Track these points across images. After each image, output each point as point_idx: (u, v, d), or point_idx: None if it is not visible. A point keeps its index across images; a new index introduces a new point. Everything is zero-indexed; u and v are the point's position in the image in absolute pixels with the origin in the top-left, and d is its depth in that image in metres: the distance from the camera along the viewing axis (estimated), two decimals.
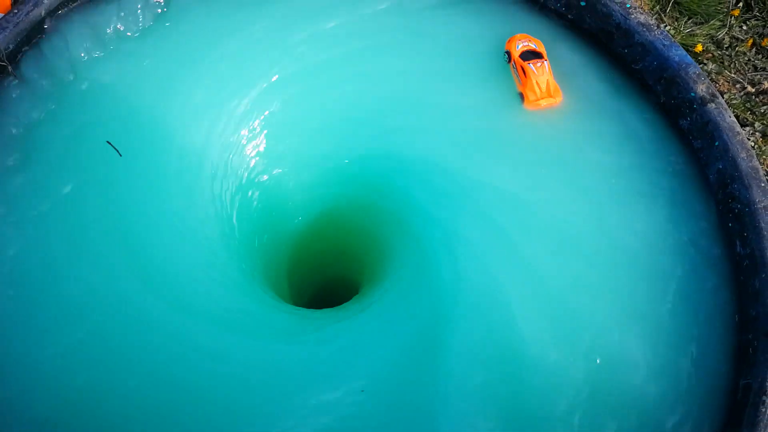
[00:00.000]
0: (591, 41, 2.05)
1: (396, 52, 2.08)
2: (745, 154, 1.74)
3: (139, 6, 2.03)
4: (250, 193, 2.11)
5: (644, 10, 3.13)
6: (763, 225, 1.67)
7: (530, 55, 2.02)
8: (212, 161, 1.99)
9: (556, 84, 2.01)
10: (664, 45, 1.88)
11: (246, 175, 2.08)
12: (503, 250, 1.84)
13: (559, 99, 2.00)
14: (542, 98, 1.98)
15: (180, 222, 1.85)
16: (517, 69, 2.03)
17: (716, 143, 1.79)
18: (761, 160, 2.86)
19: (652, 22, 1.90)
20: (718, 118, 1.79)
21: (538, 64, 1.98)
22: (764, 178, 1.72)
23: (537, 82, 1.97)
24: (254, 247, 2.14)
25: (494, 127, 2.03)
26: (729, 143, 1.76)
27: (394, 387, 1.67)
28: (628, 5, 1.92)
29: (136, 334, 1.65)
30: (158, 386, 1.60)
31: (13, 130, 1.81)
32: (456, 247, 1.86)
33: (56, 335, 1.62)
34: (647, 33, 1.90)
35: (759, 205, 1.69)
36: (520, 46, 2.04)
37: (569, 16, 2.07)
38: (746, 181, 1.72)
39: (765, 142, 2.89)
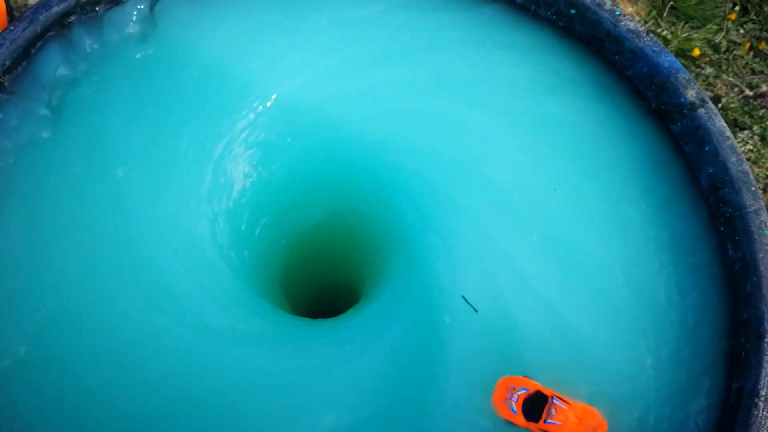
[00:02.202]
0: (582, 48, 2.07)
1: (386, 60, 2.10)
2: (735, 159, 1.75)
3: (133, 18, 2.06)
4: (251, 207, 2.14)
5: (641, 15, 3.15)
6: (753, 228, 1.68)
7: (533, 405, 1.55)
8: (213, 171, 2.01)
9: (582, 405, 1.56)
10: (653, 51, 1.89)
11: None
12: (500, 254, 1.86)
13: (599, 417, 1.57)
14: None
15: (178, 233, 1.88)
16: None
17: (706, 148, 1.80)
18: (760, 164, 2.86)
19: (642, 28, 1.91)
20: (708, 123, 1.80)
21: (554, 412, 1.51)
22: (754, 182, 1.73)
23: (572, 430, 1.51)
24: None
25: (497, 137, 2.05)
26: (719, 147, 1.77)
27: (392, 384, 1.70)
28: (618, 12, 1.93)
29: (133, 344, 1.68)
30: (157, 396, 1.63)
31: (8, 146, 1.85)
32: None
33: (52, 343, 1.65)
34: (637, 40, 1.92)
35: (750, 209, 1.70)
36: (514, 405, 1.57)
37: (560, 24, 2.08)
38: (736, 185, 1.73)
39: (764, 145, 2.89)
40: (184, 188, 1.94)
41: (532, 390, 1.55)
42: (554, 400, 1.52)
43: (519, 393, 1.55)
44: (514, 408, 1.54)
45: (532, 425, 1.53)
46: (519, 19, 2.12)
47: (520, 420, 1.53)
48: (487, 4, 2.15)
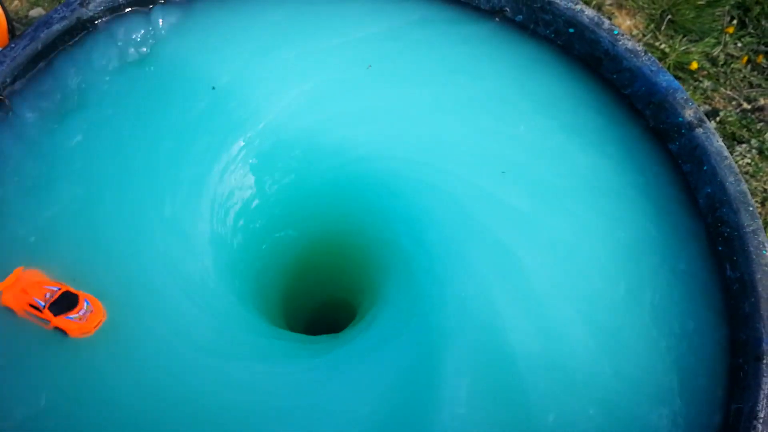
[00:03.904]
0: (581, 67, 2.07)
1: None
2: (733, 179, 1.75)
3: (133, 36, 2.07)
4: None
5: (639, 29, 3.16)
6: (752, 249, 1.68)
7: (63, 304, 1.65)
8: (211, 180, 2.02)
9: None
10: (651, 71, 1.90)
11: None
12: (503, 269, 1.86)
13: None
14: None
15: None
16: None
17: (705, 167, 1.81)
18: (758, 177, 2.87)
19: (640, 48, 1.92)
20: (706, 143, 1.81)
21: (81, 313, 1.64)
22: (752, 202, 1.73)
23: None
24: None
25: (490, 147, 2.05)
26: (717, 168, 1.78)
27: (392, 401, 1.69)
28: (616, 32, 1.94)
29: (125, 356, 1.68)
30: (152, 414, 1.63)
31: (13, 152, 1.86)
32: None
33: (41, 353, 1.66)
34: (635, 59, 1.93)
35: (748, 229, 1.71)
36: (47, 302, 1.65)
37: (558, 43, 2.09)
38: (734, 205, 1.73)
39: (762, 159, 2.90)
40: (180, 206, 1.94)
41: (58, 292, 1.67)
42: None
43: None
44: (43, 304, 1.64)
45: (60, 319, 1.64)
46: (518, 37, 2.13)
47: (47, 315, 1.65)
48: (486, 21, 2.16)
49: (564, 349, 1.71)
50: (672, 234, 1.86)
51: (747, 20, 3.19)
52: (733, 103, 3.00)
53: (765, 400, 1.53)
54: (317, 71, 2.10)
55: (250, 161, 2.07)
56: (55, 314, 1.63)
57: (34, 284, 1.68)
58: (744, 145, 2.88)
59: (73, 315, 1.63)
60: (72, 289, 1.68)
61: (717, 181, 1.78)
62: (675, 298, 1.78)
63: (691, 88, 2.99)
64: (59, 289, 1.67)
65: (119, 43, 2.05)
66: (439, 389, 1.66)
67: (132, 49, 2.06)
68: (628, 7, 3.14)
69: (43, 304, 1.63)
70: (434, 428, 1.61)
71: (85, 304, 1.66)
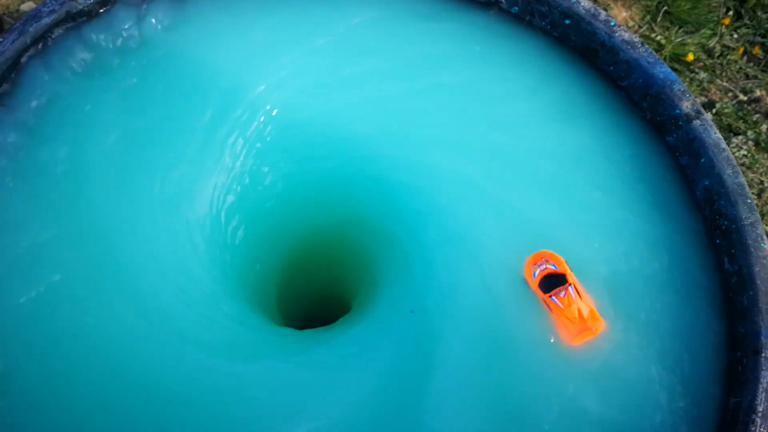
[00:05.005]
0: (577, 59, 2.06)
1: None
2: (730, 171, 1.74)
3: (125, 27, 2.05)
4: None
5: (635, 20, 3.14)
6: (750, 242, 1.67)
7: (551, 281, 1.71)
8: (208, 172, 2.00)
9: (592, 308, 1.69)
10: (648, 62, 1.89)
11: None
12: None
13: (599, 327, 1.68)
14: (579, 335, 1.67)
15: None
16: (541, 303, 1.72)
17: (702, 160, 1.80)
18: (755, 169, 2.86)
19: (637, 39, 1.90)
20: (704, 135, 1.80)
21: (562, 294, 1.67)
22: (750, 195, 1.72)
23: (567, 317, 1.66)
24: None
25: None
26: (715, 160, 1.77)
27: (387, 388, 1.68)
28: (612, 23, 1.92)
29: (114, 352, 1.66)
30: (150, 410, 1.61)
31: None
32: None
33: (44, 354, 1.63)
34: (632, 51, 1.91)
35: (746, 222, 1.69)
36: (537, 272, 1.72)
37: (555, 34, 2.08)
38: (732, 197, 1.72)
39: (758, 150, 2.88)
40: (170, 198, 1.92)
41: (560, 272, 1.73)
42: (570, 288, 1.68)
43: (548, 266, 1.74)
44: (535, 273, 1.73)
45: (539, 292, 1.72)
46: (514, 29, 2.11)
47: (534, 284, 1.73)
48: (481, 14, 2.13)
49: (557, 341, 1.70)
50: (670, 227, 1.85)
51: (743, 11, 3.17)
52: (730, 94, 2.99)
53: (764, 394, 1.52)
54: (307, 64, 2.08)
55: (244, 155, 2.05)
56: (540, 287, 1.72)
57: (545, 252, 1.77)
58: (740, 137, 2.87)
59: (558, 301, 1.68)
60: (568, 275, 1.72)
61: (714, 173, 1.77)
62: (673, 293, 1.77)
63: (688, 79, 2.98)
64: (557, 268, 1.73)
65: (108, 37, 2.02)
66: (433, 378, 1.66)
67: (121, 43, 2.03)
68: None
69: (535, 273, 1.73)
70: (429, 419, 1.61)
71: (570, 289, 1.68)
